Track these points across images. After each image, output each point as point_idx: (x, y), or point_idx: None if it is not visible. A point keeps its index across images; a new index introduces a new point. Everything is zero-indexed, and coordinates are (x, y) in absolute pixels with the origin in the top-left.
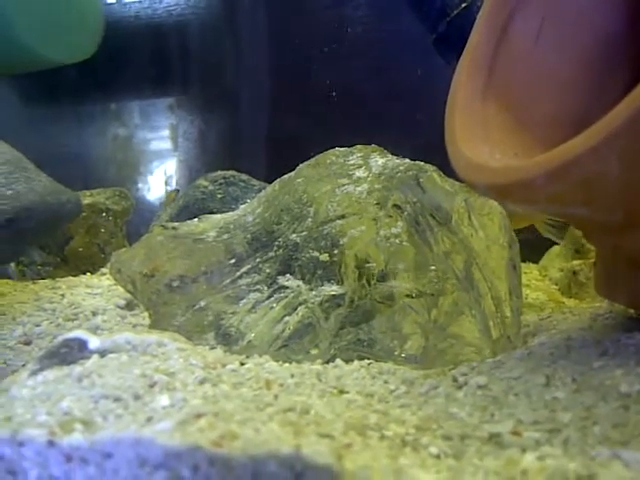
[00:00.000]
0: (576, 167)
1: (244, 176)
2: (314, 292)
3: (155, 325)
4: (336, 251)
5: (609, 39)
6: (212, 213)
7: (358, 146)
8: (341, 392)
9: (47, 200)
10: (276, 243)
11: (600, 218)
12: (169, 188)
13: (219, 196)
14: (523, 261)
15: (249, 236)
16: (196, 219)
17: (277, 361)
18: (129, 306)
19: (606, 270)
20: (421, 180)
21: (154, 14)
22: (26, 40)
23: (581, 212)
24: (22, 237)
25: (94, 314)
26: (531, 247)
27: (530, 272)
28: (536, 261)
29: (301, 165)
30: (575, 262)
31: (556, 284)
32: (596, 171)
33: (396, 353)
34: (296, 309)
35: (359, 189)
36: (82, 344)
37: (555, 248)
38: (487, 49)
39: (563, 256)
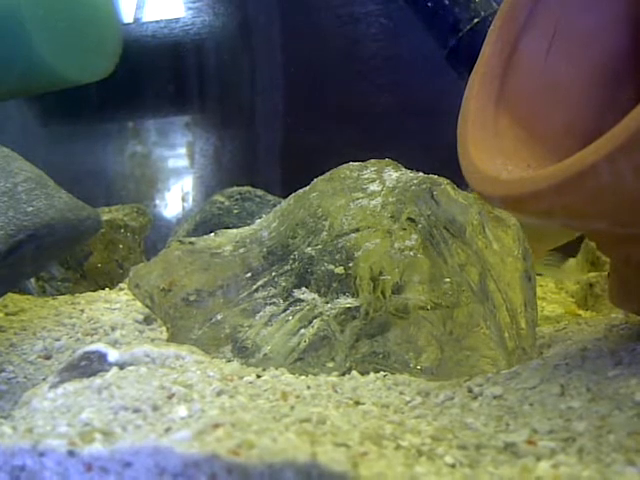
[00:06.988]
0: (589, 177)
1: (259, 191)
2: (329, 305)
3: (173, 339)
4: (351, 264)
5: (619, 51)
6: (228, 228)
7: (372, 160)
8: (357, 403)
9: (67, 216)
10: (291, 257)
11: (614, 228)
12: (186, 204)
13: (235, 211)
14: (539, 274)
15: (265, 250)
16: (212, 234)
17: (293, 374)
18: (147, 320)
19: (619, 280)
20: (435, 193)
21: (171, 33)
22: (46, 60)
23: (595, 223)
24: (43, 253)
25: (113, 329)
26: None
27: (546, 285)
28: None
29: (316, 180)
30: (591, 274)
31: (572, 297)
32: (610, 180)
33: (412, 365)
34: (312, 322)
35: (373, 202)
36: (101, 357)
37: (571, 261)
38: (498, 62)
39: (579, 269)
